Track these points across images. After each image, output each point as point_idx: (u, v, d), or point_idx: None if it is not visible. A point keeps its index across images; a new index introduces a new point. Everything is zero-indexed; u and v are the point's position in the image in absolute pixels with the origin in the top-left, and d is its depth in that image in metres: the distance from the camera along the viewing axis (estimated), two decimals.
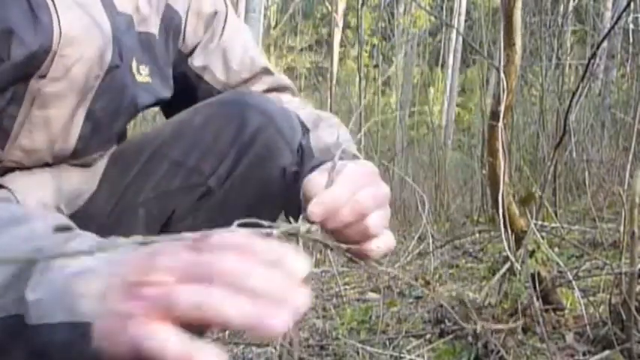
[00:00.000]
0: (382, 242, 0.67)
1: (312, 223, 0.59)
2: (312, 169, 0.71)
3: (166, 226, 0.90)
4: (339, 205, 0.61)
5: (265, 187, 0.87)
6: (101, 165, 0.94)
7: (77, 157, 0.86)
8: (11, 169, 0.82)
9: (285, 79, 1.06)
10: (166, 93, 0.94)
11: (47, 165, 0.84)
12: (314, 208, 0.59)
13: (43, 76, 0.76)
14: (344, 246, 0.64)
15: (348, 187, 0.63)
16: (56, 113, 0.79)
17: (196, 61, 0.98)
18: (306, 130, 0.89)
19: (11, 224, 0.58)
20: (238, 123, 0.86)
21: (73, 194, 0.88)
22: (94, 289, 0.49)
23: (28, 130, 0.78)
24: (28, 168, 0.83)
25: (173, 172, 0.90)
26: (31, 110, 0.77)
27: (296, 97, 1.05)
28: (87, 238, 0.56)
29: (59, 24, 0.75)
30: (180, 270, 0.46)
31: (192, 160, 0.88)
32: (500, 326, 1.29)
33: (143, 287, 0.46)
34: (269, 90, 1.02)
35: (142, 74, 0.86)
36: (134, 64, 0.85)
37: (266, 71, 1.02)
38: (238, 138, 0.87)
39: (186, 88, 0.99)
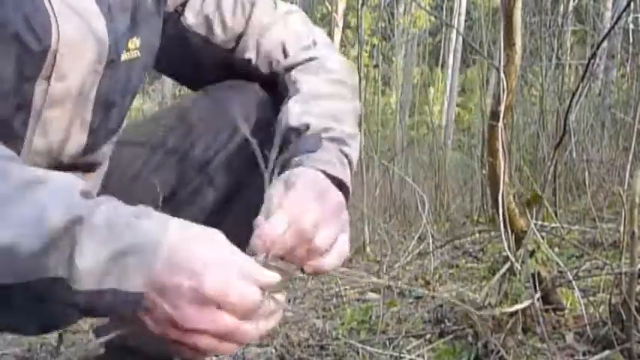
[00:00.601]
0: (334, 256, 0.75)
1: (254, 254, 0.66)
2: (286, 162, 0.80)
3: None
4: (278, 235, 0.68)
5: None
6: (102, 169, 0.95)
7: (88, 152, 0.87)
8: None
9: (284, 8, 1.05)
10: (151, 63, 0.95)
11: (61, 165, 0.85)
12: (255, 241, 0.67)
13: (48, 77, 0.77)
14: (294, 266, 0.71)
15: (290, 214, 0.70)
16: (65, 112, 0.80)
17: (189, 19, 0.98)
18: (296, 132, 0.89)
19: (34, 183, 0.61)
20: (230, 126, 0.96)
21: None
22: (149, 261, 0.58)
23: (41, 132, 0.79)
24: None
25: (171, 167, 0.98)
26: (40, 112, 0.78)
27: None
28: (118, 207, 0.62)
29: (57, 24, 0.75)
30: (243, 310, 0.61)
31: (191, 154, 0.97)
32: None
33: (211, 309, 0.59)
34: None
35: (131, 49, 0.86)
36: (127, 45, 0.86)
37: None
38: (230, 143, 0.97)
39: (183, 46, 0.99)
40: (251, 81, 1.02)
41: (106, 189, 0.96)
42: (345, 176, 0.85)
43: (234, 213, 0.96)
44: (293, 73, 0.98)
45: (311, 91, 0.94)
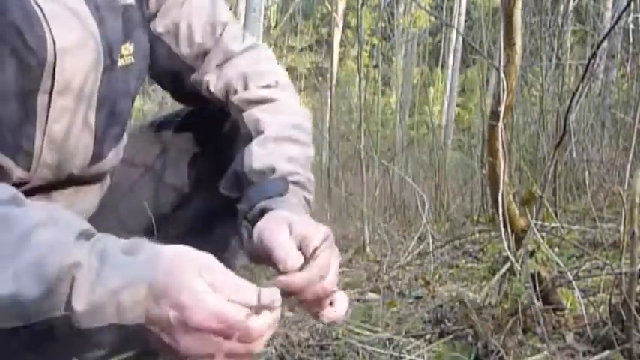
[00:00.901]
0: (339, 308, 0.79)
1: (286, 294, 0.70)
2: (262, 210, 0.82)
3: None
4: (310, 285, 0.73)
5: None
6: (106, 182, 0.97)
7: (96, 161, 0.87)
8: (38, 189, 0.83)
9: (253, 41, 1.05)
10: (146, 67, 0.95)
11: (70, 178, 0.86)
12: (293, 281, 0.71)
13: (50, 90, 0.77)
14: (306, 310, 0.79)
15: (320, 272, 0.74)
16: (70, 124, 0.80)
17: (159, 27, 0.97)
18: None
19: (35, 230, 0.63)
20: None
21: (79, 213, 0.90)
22: (142, 296, 0.61)
23: (49, 145, 0.80)
24: (54, 185, 0.85)
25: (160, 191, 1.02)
26: (46, 126, 0.78)
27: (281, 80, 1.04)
28: (110, 245, 0.64)
29: (52, 35, 0.75)
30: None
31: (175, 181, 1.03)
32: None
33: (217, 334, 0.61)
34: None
35: (125, 55, 0.86)
36: (121, 50, 0.86)
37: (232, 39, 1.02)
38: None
39: (151, 52, 0.98)
40: (197, 100, 1.02)
41: (102, 206, 0.97)
42: None
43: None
44: (254, 111, 0.97)
45: (274, 134, 0.93)
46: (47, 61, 0.75)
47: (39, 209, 0.67)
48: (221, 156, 0.99)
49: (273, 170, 0.89)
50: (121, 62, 0.85)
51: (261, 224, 0.79)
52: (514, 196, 1.61)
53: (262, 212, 0.83)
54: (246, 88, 0.99)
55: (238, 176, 0.91)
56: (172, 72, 1.00)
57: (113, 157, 0.92)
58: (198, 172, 1.04)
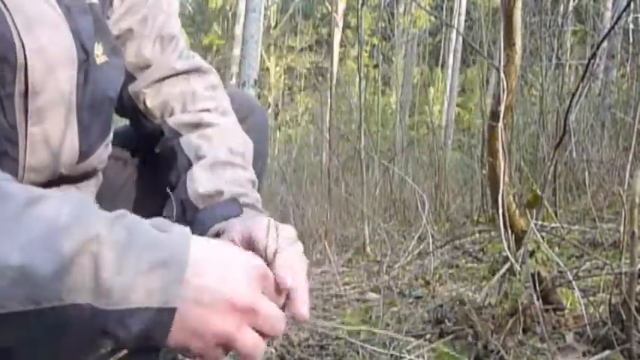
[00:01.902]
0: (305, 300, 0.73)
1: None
2: (217, 234, 0.80)
3: None
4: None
5: None
6: (98, 179, 0.95)
7: (84, 158, 0.86)
8: None
9: (199, 62, 1.02)
10: (122, 63, 0.92)
11: (59, 177, 0.84)
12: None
13: (25, 94, 0.75)
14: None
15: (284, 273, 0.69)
16: (51, 125, 0.79)
17: (113, 30, 0.93)
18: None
19: (41, 199, 0.56)
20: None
21: None
22: (179, 277, 0.57)
23: (32, 149, 0.78)
24: (45, 186, 0.83)
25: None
26: (27, 130, 0.77)
27: (218, 90, 1.01)
28: (136, 217, 0.60)
29: (20, 37, 0.73)
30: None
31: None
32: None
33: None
34: (185, 72, 0.99)
35: (98, 55, 0.85)
36: (95, 48, 0.84)
37: (181, 55, 0.99)
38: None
39: None
40: (132, 114, 0.99)
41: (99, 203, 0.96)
42: None
43: None
44: (192, 137, 0.93)
45: (215, 159, 0.91)
46: (18, 63, 0.73)
47: (29, 187, 0.60)
48: (159, 177, 0.96)
49: (221, 193, 0.86)
50: (97, 60, 0.84)
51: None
52: (514, 196, 1.61)
53: (217, 235, 0.80)
54: (184, 109, 0.96)
55: (182, 204, 0.88)
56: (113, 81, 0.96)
57: (101, 152, 0.91)
58: (138, 189, 1.03)
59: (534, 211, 1.56)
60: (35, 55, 0.74)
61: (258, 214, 0.86)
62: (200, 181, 0.88)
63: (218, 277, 0.59)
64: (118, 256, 0.54)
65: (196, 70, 1.00)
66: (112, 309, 0.54)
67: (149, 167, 1.04)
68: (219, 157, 0.91)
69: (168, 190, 0.92)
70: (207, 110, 0.97)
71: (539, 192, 1.56)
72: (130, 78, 0.96)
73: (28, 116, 0.76)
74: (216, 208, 0.85)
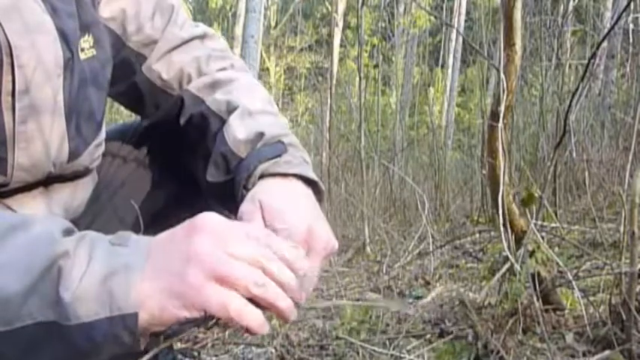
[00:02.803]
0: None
1: None
2: (262, 175, 0.79)
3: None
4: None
5: None
6: (92, 178, 0.95)
7: (74, 156, 0.86)
8: (19, 190, 0.81)
9: (204, 28, 1.01)
10: (110, 57, 0.91)
11: (50, 176, 0.84)
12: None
13: (12, 92, 0.74)
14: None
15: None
16: (39, 124, 0.78)
17: (104, 13, 0.92)
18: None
19: (12, 231, 0.60)
20: None
21: (64, 211, 0.88)
22: (134, 282, 0.57)
23: (21, 148, 0.77)
24: (35, 185, 0.83)
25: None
26: (14, 128, 0.76)
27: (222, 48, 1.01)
28: (98, 238, 0.61)
29: (5, 35, 0.73)
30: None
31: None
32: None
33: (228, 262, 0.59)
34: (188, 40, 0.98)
35: (85, 49, 0.83)
36: (80, 43, 0.83)
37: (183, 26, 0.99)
38: None
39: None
40: (145, 99, 0.98)
41: (97, 201, 0.96)
42: (316, 178, 0.82)
43: None
44: (218, 96, 0.92)
45: (248, 107, 0.89)
46: (4, 62, 0.73)
47: (12, 215, 0.65)
48: (197, 149, 0.95)
49: (261, 135, 0.83)
50: (82, 55, 0.82)
51: (243, 206, 0.75)
52: (514, 196, 1.61)
53: (262, 177, 0.79)
54: (200, 73, 0.95)
55: (224, 155, 0.86)
56: (122, 62, 0.95)
57: (92, 151, 0.90)
58: (139, 185, 1.03)
59: (534, 211, 1.56)
60: (22, 53, 0.74)
61: (301, 151, 0.84)
62: (238, 129, 0.85)
63: (173, 270, 0.59)
64: (79, 272, 0.57)
65: (203, 36, 1.00)
66: (71, 324, 0.56)
67: (157, 158, 1.03)
68: (250, 106, 0.89)
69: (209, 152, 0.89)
70: (224, 69, 0.97)
71: (535, 191, 1.55)
72: (140, 58, 0.95)
73: (15, 115, 0.75)
74: (260, 150, 0.82)
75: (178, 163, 1.01)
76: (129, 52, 0.95)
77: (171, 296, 0.58)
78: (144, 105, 1.00)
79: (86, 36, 0.84)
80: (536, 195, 1.55)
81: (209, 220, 0.63)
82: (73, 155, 0.85)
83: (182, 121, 0.95)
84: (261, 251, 0.62)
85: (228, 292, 0.59)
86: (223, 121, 0.89)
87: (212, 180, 0.87)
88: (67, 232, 0.62)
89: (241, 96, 0.91)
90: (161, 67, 0.96)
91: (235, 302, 0.59)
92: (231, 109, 0.89)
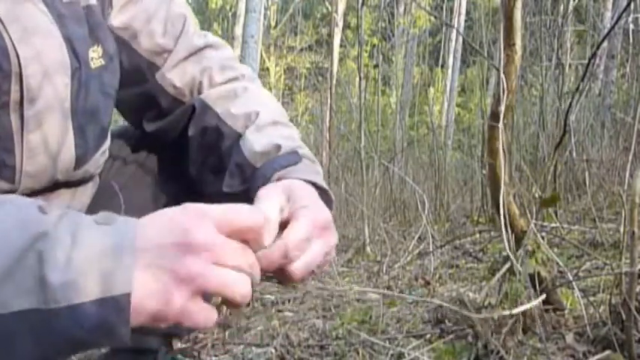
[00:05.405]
0: (302, 264, 0.68)
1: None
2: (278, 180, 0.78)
3: None
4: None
5: None
6: (95, 184, 0.96)
7: (81, 164, 0.87)
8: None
9: (212, 38, 1.03)
10: (118, 67, 0.92)
11: (56, 183, 0.85)
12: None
13: (20, 101, 0.75)
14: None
15: (283, 250, 0.65)
16: (47, 132, 0.79)
17: (115, 22, 0.93)
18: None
19: None
20: None
21: None
22: (127, 262, 0.54)
23: (29, 156, 0.78)
24: (40, 192, 0.83)
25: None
26: (23, 137, 0.77)
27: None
28: (81, 217, 0.57)
29: (14, 45, 0.73)
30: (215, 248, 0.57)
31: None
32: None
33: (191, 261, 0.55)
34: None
35: (94, 58, 0.84)
36: (89, 53, 0.84)
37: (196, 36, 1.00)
38: None
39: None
40: (153, 107, 0.99)
41: (93, 205, 0.96)
42: (327, 187, 0.83)
43: None
44: (230, 107, 0.93)
45: (264, 120, 0.90)
46: (12, 72, 0.73)
47: None
48: (210, 157, 0.96)
49: (278, 147, 0.85)
50: (91, 65, 0.84)
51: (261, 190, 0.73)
52: (514, 196, 1.61)
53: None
54: (212, 82, 0.96)
55: (240, 166, 0.87)
56: (134, 70, 0.96)
57: (98, 158, 0.91)
58: (140, 187, 1.03)
59: (534, 211, 1.56)
60: (30, 62, 0.75)
61: (315, 163, 0.86)
62: (255, 142, 0.87)
63: (164, 251, 0.55)
64: (64, 253, 0.53)
65: (213, 45, 1.01)
66: (61, 307, 0.52)
67: (158, 160, 1.04)
68: (266, 119, 0.91)
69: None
70: (235, 79, 0.98)
71: (538, 191, 1.56)
72: (152, 66, 0.96)
73: (24, 123, 0.76)
74: (276, 160, 0.84)
75: (179, 165, 1.01)
76: (140, 60, 0.96)
77: (164, 273, 0.55)
78: (150, 112, 1.01)
79: (95, 46, 0.85)
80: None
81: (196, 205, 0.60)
82: (80, 162, 0.86)
83: (191, 131, 0.96)
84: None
85: (224, 270, 0.57)
86: (239, 135, 0.90)
87: (229, 191, 0.88)
88: (42, 210, 0.57)
89: (256, 109, 0.92)
90: (174, 76, 0.97)
91: (229, 277, 0.57)
92: (248, 123, 0.91)
